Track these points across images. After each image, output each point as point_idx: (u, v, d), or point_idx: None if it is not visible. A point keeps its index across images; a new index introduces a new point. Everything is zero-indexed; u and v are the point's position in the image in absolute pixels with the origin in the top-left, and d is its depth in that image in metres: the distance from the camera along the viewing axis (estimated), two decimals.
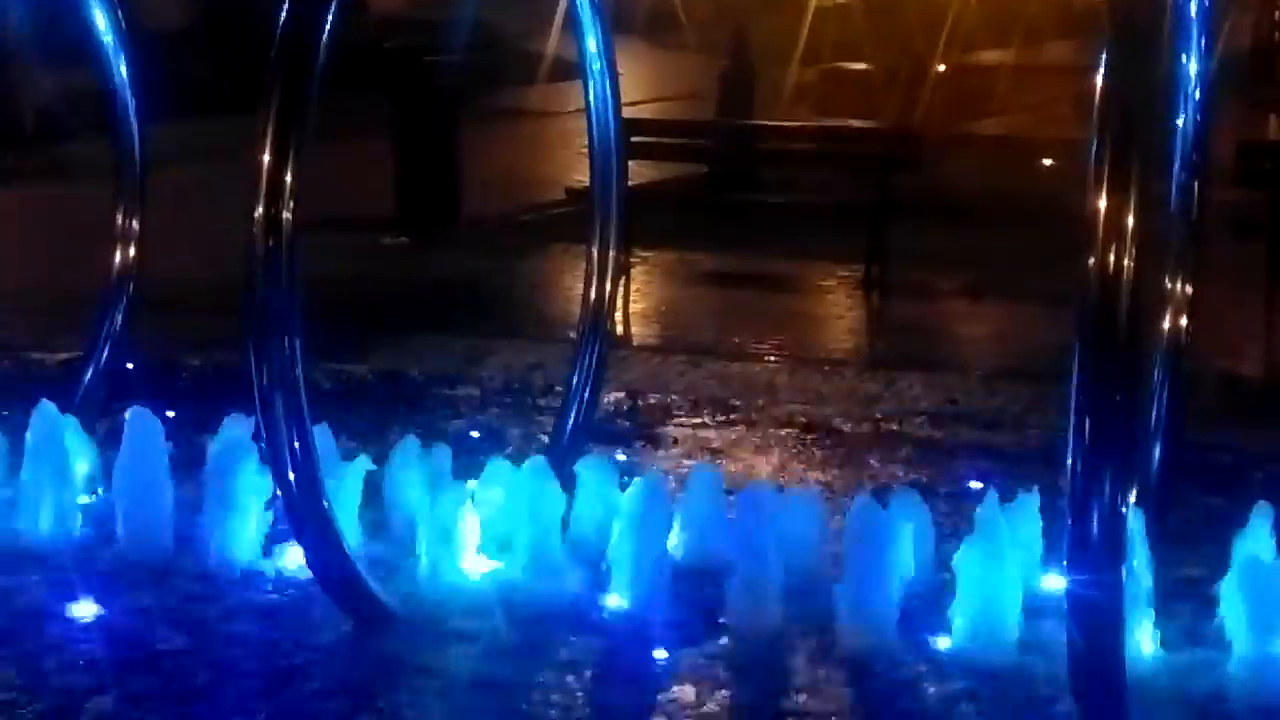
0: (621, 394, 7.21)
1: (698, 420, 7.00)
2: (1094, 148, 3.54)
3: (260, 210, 4.10)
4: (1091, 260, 3.49)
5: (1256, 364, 8.28)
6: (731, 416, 7.05)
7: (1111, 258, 3.45)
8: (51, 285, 9.10)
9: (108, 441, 5.60)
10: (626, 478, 5.30)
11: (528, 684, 4.32)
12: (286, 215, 4.08)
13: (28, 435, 5.40)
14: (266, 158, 4.15)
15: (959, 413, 7.16)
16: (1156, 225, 4.77)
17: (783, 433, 6.82)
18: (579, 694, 4.28)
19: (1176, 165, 5.18)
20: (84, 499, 5.49)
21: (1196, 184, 5.16)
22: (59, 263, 9.62)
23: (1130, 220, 3.46)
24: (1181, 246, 5.19)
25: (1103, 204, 3.48)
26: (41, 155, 15.13)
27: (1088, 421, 3.53)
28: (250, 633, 4.64)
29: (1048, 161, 14.27)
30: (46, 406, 5.43)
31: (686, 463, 6.21)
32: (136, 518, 5.15)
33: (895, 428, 6.90)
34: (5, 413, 5.99)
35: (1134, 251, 3.49)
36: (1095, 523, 3.65)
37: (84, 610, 4.70)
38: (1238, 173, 9.66)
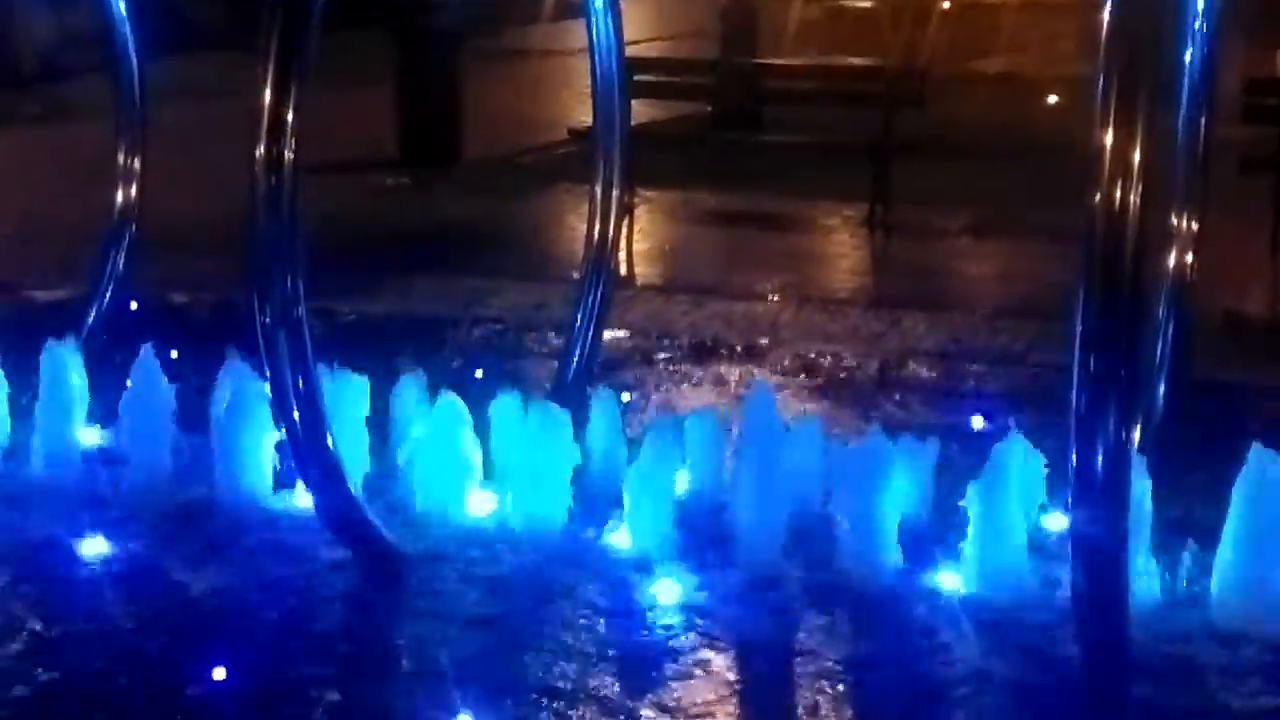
0: (625, 333, 7.21)
1: (701, 359, 7.00)
2: (1100, 83, 3.52)
3: (261, 148, 4.08)
4: (1096, 196, 3.47)
5: (1261, 301, 8.26)
6: (734, 356, 7.06)
7: (1117, 193, 3.43)
8: (54, 225, 9.07)
9: (112, 378, 5.62)
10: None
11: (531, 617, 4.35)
12: (288, 153, 4.06)
13: (39, 372, 5.43)
14: (267, 95, 4.12)
15: (962, 351, 7.16)
16: (1162, 161, 4.75)
17: (786, 372, 6.83)
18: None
19: (1183, 100, 5.16)
20: (92, 435, 5.52)
21: (1203, 119, 5.13)
22: (61, 202, 9.59)
23: (1135, 156, 3.44)
24: (1187, 182, 5.18)
25: (1108, 139, 3.47)
26: (41, 95, 15.07)
27: (1091, 358, 3.53)
28: (257, 565, 4.67)
29: (1053, 99, 14.18)
30: (55, 344, 5.46)
31: (690, 401, 6.22)
32: (144, 454, 5.18)
33: (898, 366, 6.92)
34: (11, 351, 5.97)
35: (1139, 187, 3.47)
36: (1099, 459, 3.65)
37: (94, 542, 4.72)
38: (1245, 109, 9.61)
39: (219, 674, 3.95)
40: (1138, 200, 3.48)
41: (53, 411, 5.32)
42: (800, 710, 3.94)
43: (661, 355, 7.08)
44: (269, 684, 4.00)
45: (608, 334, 6.53)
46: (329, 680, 4.01)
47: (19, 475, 5.32)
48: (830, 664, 4.12)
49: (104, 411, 5.57)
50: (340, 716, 3.87)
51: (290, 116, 4.06)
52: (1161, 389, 5.28)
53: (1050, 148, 8.71)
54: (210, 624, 4.33)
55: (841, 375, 6.82)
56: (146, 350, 5.30)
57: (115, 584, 4.55)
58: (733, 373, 6.82)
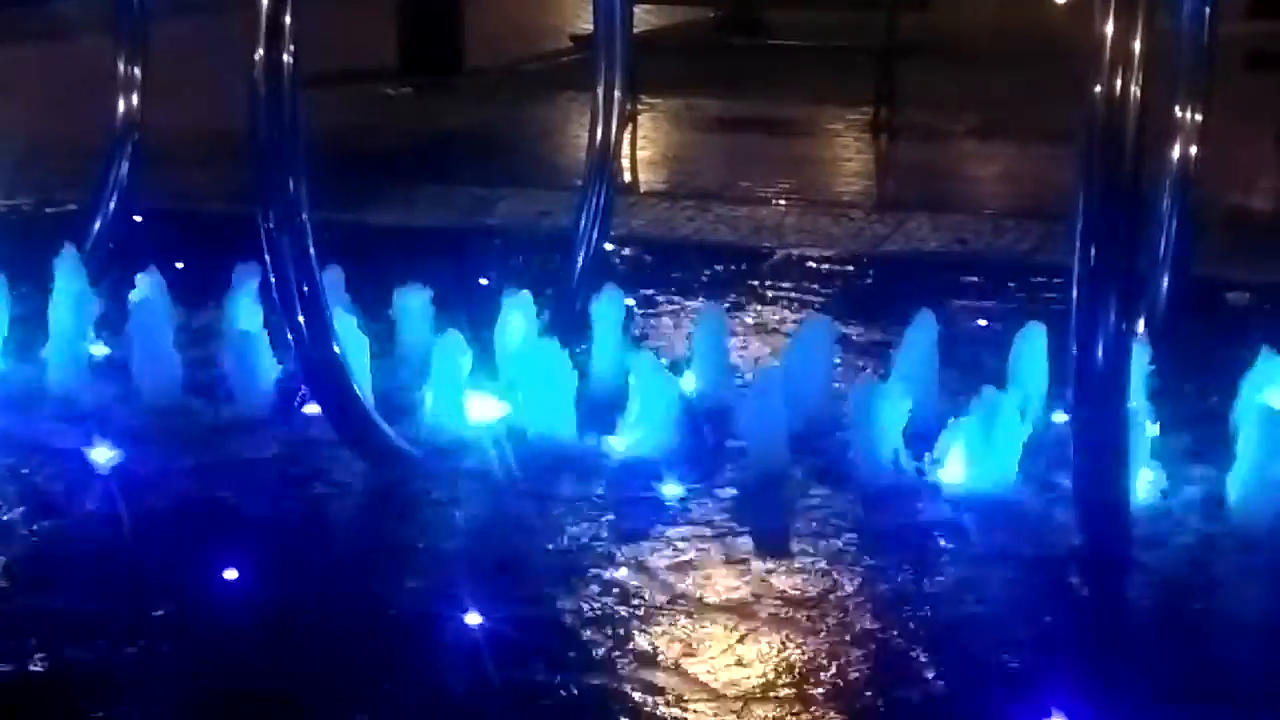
0: (630, 239, 7.22)
1: (705, 265, 7.00)
2: None
3: (261, 53, 4.06)
4: (1096, 85, 3.46)
5: (1265, 197, 8.24)
6: (739, 259, 7.07)
7: (1117, 82, 3.42)
8: (56, 139, 9.06)
9: (117, 291, 5.64)
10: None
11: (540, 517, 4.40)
12: (287, 57, 4.05)
13: (53, 283, 5.45)
14: (265, 1, 4.09)
15: (967, 252, 7.17)
16: (1165, 50, 4.72)
17: (791, 275, 6.85)
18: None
19: None
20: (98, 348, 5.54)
21: (1207, 10, 5.09)
22: (62, 116, 9.56)
23: (1136, 44, 3.42)
24: (1192, 74, 5.14)
25: (1108, 28, 3.45)
26: (41, 11, 14.97)
27: (1092, 249, 3.53)
28: (266, 470, 4.72)
29: (1060, 1, 14.07)
30: (68, 252, 5.48)
31: (694, 305, 6.23)
32: (151, 365, 5.21)
33: (903, 267, 6.93)
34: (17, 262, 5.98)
35: (1140, 76, 3.46)
36: (1099, 351, 3.67)
37: (103, 452, 4.76)
38: (1252, 4, 9.54)
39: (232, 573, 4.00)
40: (1139, 90, 3.46)
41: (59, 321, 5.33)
42: None
43: (667, 259, 7.09)
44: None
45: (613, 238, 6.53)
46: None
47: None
48: None
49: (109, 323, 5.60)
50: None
51: (289, 19, 4.04)
52: (1164, 283, 5.29)
53: (1056, 50, 8.67)
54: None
55: (845, 278, 6.84)
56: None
57: (122, 486, 4.58)
58: (737, 277, 6.82)
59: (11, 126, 9.25)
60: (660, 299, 6.48)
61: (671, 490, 4.52)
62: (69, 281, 5.41)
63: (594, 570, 4.06)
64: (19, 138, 9.01)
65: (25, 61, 12.87)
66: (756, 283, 6.75)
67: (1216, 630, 3.81)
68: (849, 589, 3.95)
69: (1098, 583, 4.00)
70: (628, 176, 9.04)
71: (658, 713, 3.40)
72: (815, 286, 6.71)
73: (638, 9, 8.66)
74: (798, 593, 3.93)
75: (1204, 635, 3.78)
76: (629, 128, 9.81)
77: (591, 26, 6.19)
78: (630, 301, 6.12)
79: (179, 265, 6.09)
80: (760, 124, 10.79)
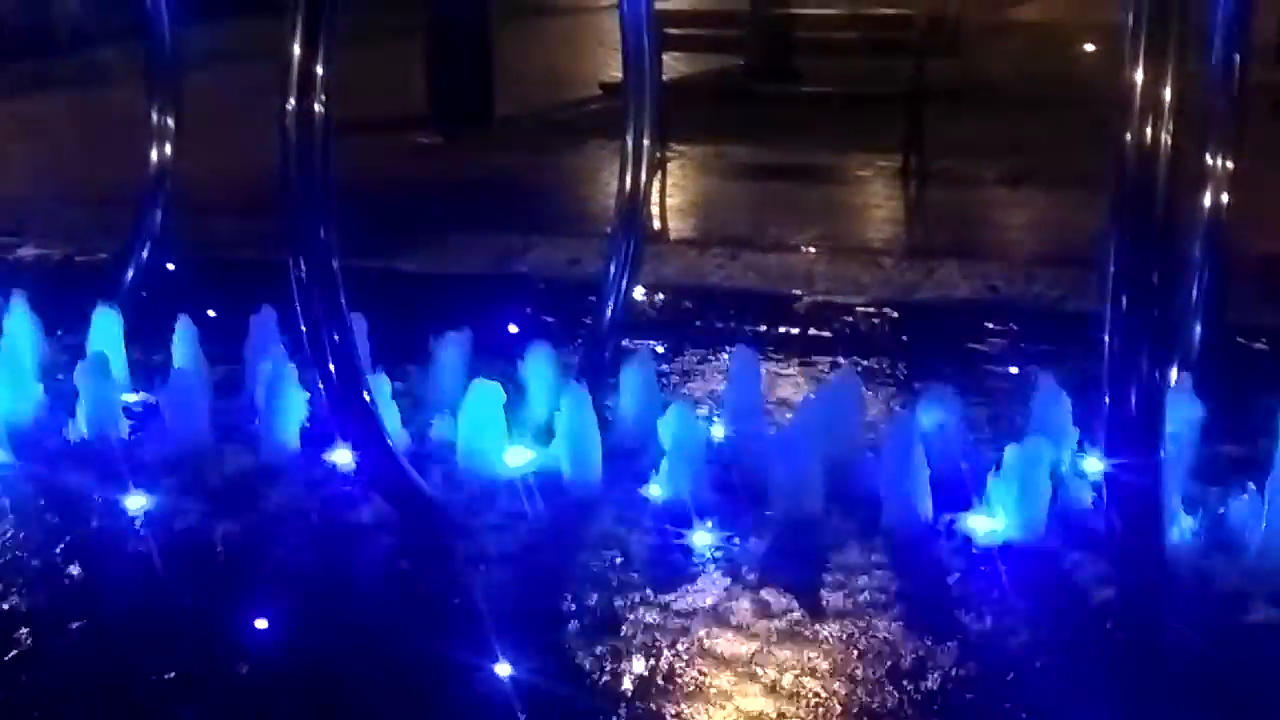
0: (660, 286, 7.23)
1: (736, 311, 7.00)
2: (1130, 18, 3.48)
3: (292, 102, 4.08)
4: (1127, 134, 3.45)
5: None
6: (770, 307, 7.06)
7: (1148, 129, 3.41)
8: (89, 187, 9.12)
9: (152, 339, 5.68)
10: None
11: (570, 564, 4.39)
12: (318, 107, 4.07)
13: (89, 336, 5.49)
14: (296, 50, 4.12)
15: (999, 299, 7.15)
16: (1196, 102, 4.71)
17: (821, 323, 6.84)
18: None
19: (1218, 40, 5.12)
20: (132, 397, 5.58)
21: (1237, 58, 5.09)
22: (96, 166, 9.63)
23: (1166, 91, 3.41)
24: (1222, 122, 5.13)
25: (1138, 75, 3.44)
26: (76, 62, 15.13)
27: (1124, 297, 3.51)
28: (294, 518, 4.72)
29: (1089, 46, 14.07)
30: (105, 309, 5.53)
31: (725, 354, 6.23)
32: (183, 415, 5.23)
33: (935, 315, 6.91)
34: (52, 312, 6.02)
35: (1170, 124, 3.45)
36: (1133, 401, 3.65)
37: (137, 499, 4.77)
38: (1279, 51, 9.53)
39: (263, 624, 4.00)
40: (1169, 138, 3.45)
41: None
42: None
43: (697, 306, 7.09)
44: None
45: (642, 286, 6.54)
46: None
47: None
48: None
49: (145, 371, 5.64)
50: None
51: (320, 69, 4.06)
52: (1197, 331, 5.26)
53: (1085, 96, 8.67)
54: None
55: (875, 324, 6.83)
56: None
57: (160, 544, 4.59)
58: (767, 324, 6.81)
59: (45, 174, 9.33)
60: (689, 346, 6.48)
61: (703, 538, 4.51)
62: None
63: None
64: (52, 185, 9.09)
65: (59, 110, 12.99)
66: (786, 330, 6.74)
67: None
68: None
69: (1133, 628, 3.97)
70: (657, 224, 9.04)
71: None
72: (846, 333, 6.70)
73: (667, 56, 8.67)
74: None
75: None
76: (658, 175, 9.84)
77: (621, 74, 6.21)
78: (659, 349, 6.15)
79: (210, 313, 6.12)
80: (789, 171, 10.79)
